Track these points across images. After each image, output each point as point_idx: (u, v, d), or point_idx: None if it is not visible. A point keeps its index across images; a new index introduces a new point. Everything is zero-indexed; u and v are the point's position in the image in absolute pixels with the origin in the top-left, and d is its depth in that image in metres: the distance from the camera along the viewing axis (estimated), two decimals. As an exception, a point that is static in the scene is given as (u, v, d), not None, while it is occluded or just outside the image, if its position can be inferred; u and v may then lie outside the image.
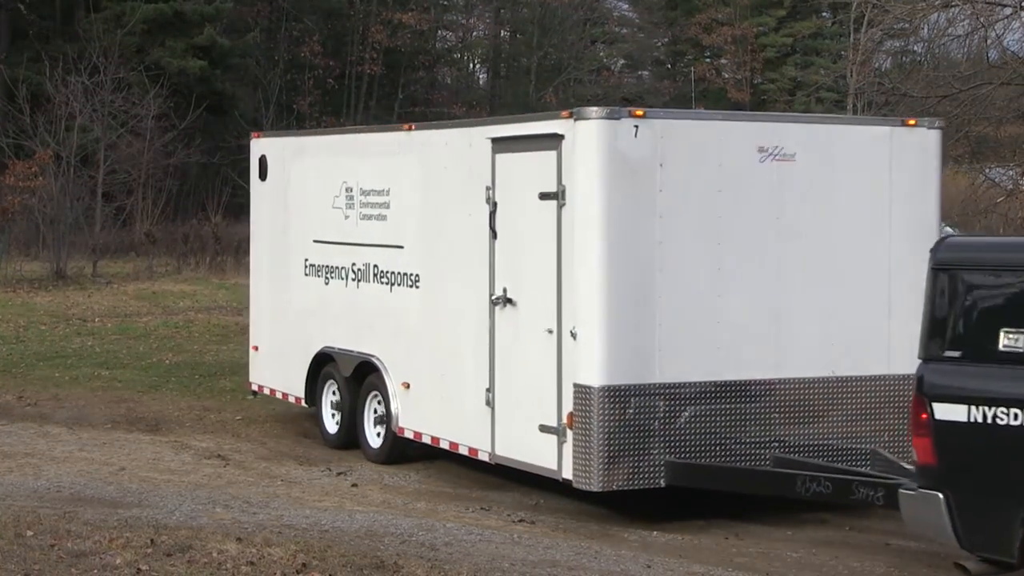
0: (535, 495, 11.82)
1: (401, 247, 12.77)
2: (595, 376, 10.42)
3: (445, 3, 61.79)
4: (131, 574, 8.07)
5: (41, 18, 45.37)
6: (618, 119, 10.44)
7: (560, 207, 10.74)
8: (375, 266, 13.10)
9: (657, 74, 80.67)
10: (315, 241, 14.07)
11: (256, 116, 45.22)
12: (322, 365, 13.87)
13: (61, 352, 19.25)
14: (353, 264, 13.43)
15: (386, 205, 12.96)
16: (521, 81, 61.66)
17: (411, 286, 12.64)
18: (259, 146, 15.25)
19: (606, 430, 10.38)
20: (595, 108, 10.49)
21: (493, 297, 11.47)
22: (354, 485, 12.06)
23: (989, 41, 25.01)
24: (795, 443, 10.96)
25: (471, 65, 67.70)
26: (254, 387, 15.14)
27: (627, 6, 79.13)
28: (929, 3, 23.77)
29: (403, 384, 12.67)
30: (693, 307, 10.73)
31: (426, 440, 12.45)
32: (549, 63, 61.80)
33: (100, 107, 33.55)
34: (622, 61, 78.96)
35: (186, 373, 17.72)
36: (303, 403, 14.15)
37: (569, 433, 10.62)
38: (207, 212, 36.64)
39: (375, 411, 13.20)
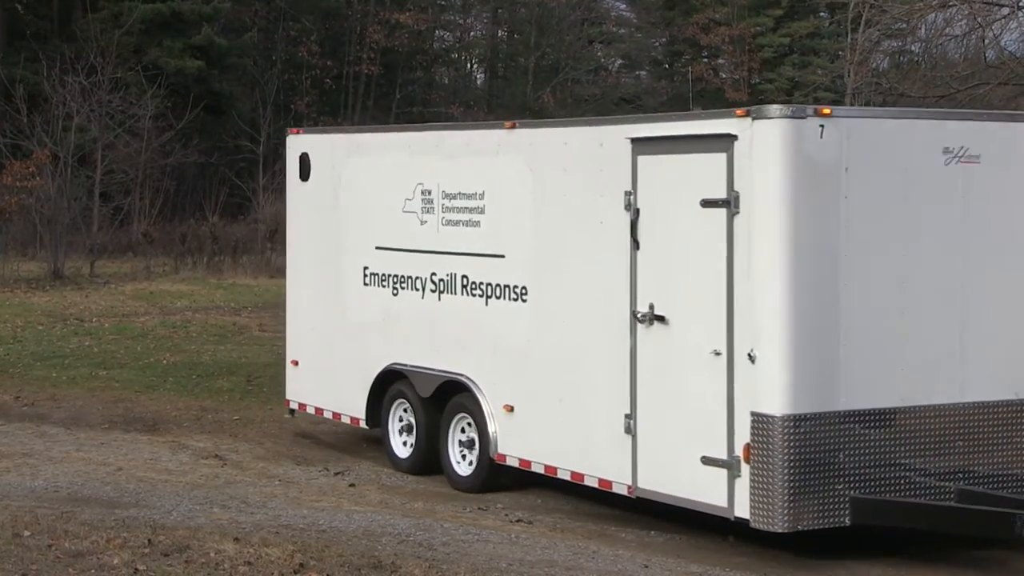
0: (532, 495, 11.81)
1: (501, 256, 11.65)
2: (778, 404, 9.45)
3: (442, 3, 61.80)
4: (128, 574, 8.06)
5: (38, 18, 45.34)
6: (803, 118, 9.54)
7: (732, 216, 9.72)
8: (464, 277, 12.00)
9: (655, 74, 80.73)
10: (379, 248, 12.92)
11: (253, 116, 45.20)
12: (388, 383, 12.73)
13: (58, 352, 19.24)
14: (432, 274, 12.27)
15: (479, 210, 11.85)
16: (518, 81, 61.68)
17: (516, 299, 11.51)
18: (299, 143, 14.07)
19: (790, 464, 9.40)
20: (776, 106, 9.57)
21: (637, 314, 10.40)
22: (352, 485, 12.06)
23: (987, 41, 25.05)
24: (979, 474, 10.09)
25: (469, 65, 67.70)
26: (293, 405, 13.94)
27: (625, 6, 79.03)
28: (927, 3, 23.80)
29: (505, 407, 11.56)
30: (877, 325, 9.84)
31: (537, 469, 11.36)
32: (547, 63, 61.82)
33: (97, 107, 33.54)
34: (619, 61, 78.95)
35: (184, 373, 17.71)
36: (361, 424, 12.98)
37: (744, 467, 9.60)
38: (204, 212, 36.62)
39: (463, 435, 12.07)
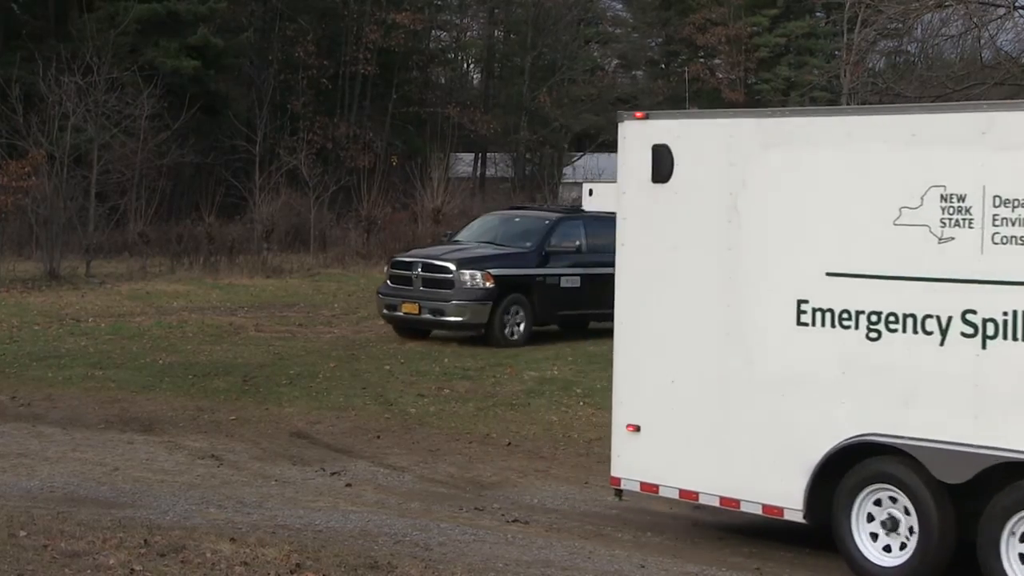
0: (529, 495, 11.82)
1: None
2: None
3: (439, 3, 61.79)
4: (124, 574, 8.06)
5: (34, 18, 45.33)
6: None
7: None
8: None
9: (651, 74, 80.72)
10: (831, 274, 9.66)
11: (250, 116, 45.20)
12: (850, 462, 9.60)
13: (55, 352, 19.23)
14: (967, 312, 9.03)
15: None
16: (515, 81, 61.68)
17: None
18: (650, 131, 10.65)
19: None
20: None
21: None
22: (348, 485, 12.05)
23: (982, 41, 25.09)
24: None
25: (465, 65, 67.70)
26: (629, 484, 10.72)
27: (621, 6, 79.00)
28: (923, 3, 23.83)
29: None
30: None
31: None
32: (543, 63, 61.84)
33: (93, 107, 33.53)
34: (616, 61, 78.92)
35: (180, 373, 17.70)
36: (787, 515, 9.76)
37: None
38: (201, 212, 36.62)
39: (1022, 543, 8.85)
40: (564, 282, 22.15)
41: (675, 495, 10.45)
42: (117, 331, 21.64)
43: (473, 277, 21.21)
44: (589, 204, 27.07)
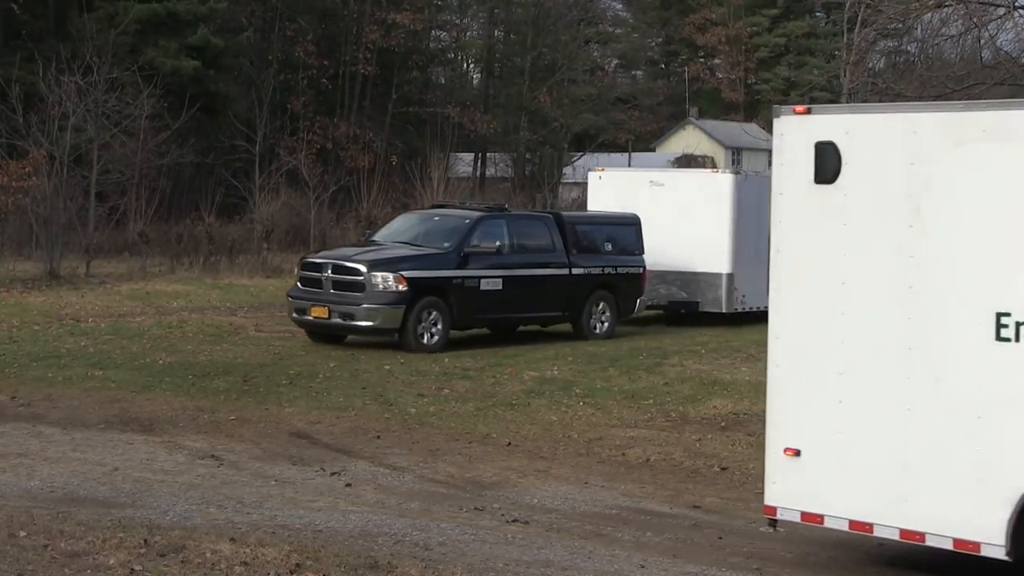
0: (529, 495, 11.82)
1: None
2: None
3: (439, 3, 61.79)
4: (125, 574, 8.06)
5: (34, 18, 45.32)
6: None
7: None
8: None
9: (651, 74, 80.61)
10: None
11: (250, 116, 45.21)
12: None
13: (54, 352, 19.23)
14: None
15: None
16: (515, 81, 61.65)
17: None
18: (813, 127, 9.71)
19: None
20: None
21: None
22: (348, 485, 12.05)
23: (982, 41, 25.08)
24: None
25: (465, 65, 67.67)
26: (787, 514, 9.74)
27: (621, 6, 78.97)
28: (923, 3, 23.83)
29: None
30: None
31: None
32: (543, 63, 61.80)
33: (93, 107, 33.53)
34: (616, 61, 78.87)
35: (180, 373, 17.70)
36: (985, 551, 8.86)
37: None
38: (200, 212, 36.63)
39: None
40: (485, 284, 21.22)
41: (844, 526, 9.49)
42: (117, 331, 21.64)
43: (385, 279, 20.21)
44: (597, 190, 27.03)
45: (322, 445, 13.90)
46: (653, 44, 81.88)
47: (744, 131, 77.94)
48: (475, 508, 11.31)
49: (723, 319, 25.27)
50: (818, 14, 76.08)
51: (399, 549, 9.26)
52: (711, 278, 25.35)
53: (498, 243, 21.47)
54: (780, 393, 9.76)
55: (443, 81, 61.84)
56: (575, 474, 12.77)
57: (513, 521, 10.84)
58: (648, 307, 25.00)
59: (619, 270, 23.44)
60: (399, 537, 9.71)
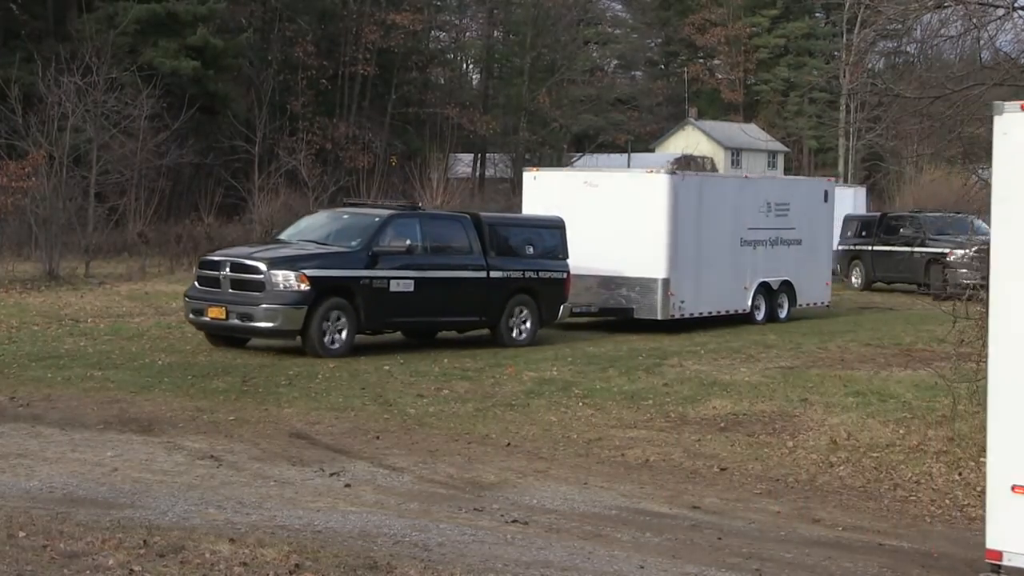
0: (528, 496, 11.82)
1: None
2: None
3: (438, 3, 61.80)
4: (124, 575, 8.06)
5: (33, 18, 45.34)
6: None
7: None
8: None
9: (650, 74, 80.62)
10: None
11: (249, 117, 45.22)
12: None
13: (54, 353, 19.22)
14: None
15: None
16: (514, 81, 61.67)
17: None
18: None
19: None
20: None
21: None
22: (347, 486, 12.04)
23: (982, 42, 25.04)
24: None
25: (464, 65, 67.69)
26: (1016, 558, 8.47)
27: (621, 6, 79.01)
28: (922, 3, 23.81)
29: None
30: None
31: None
32: (542, 63, 61.84)
33: (93, 107, 33.55)
34: (615, 61, 78.89)
35: (179, 374, 17.70)
36: None
37: None
38: (200, 212, 36.64)
39: None
40: (395, 286, 20.13)
41: None
42: (116, 331, 21.63)
43: (287, 278, 19.17)
44: (532, 192, 26.50)
45: (321, 446, 13.90)
46: (652, 45, 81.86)
47: (743, 131, 77.98)
48: (474, 509, 11.30)
49: (659, 327, 24.30)
50: (818, 15, 76.00)
51: (398, 550, 9.26)
52: (646, 283, 24.39)
53: (410, 242, 20.36)
54: (1005, 423, 8.43)
55: (442, 81, 61.88)
56: (574, 474, 12.77)
57: (512, 522, 10.84)
58: (578, 314, 24.12)
59: (541, 274, 22.43)
60: (398, 538, 9.71)
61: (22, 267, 30.38)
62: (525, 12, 60.90)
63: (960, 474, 12.83)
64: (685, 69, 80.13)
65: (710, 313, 25.54)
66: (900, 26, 27.25)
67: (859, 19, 28.48)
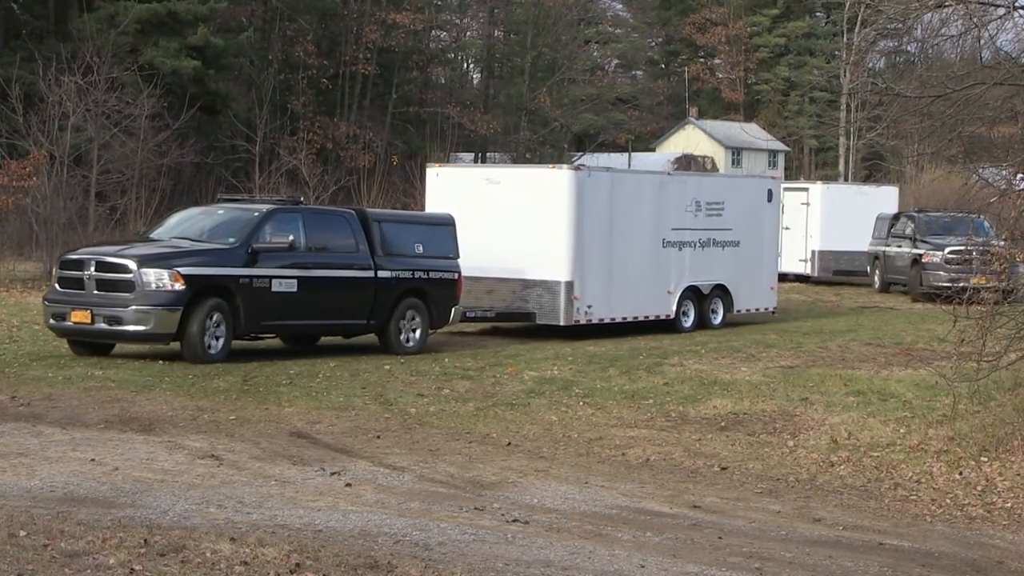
0: (529, 495, 11.82)
1: None
2: None
3: (439, 3, 61.81)
4: (125, 574, 8.07)
5: (34, 18, 45.37)
6: None
7: None
8: None
9: (651, 74, 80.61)
10: None
11: (250, 116, 45.24)
12: None
13: (54, 352, 19.23)
14: None
15: None
16: (515, 81, 61.67)
17: None
18: None
19: None
20: None
21: None
22: (348, 485, 12.05)
23: (982, 41, 25.02)
24: None
25: (465, 65, 67.71)
26: None
27: (621, 6, 79.00)
28: (922, 3, 23.80)
29: None
30: None
31: None
32: (543, 63, 61.85)
33: (93, 107, 33.55)
34: (616, 61, 78.90)
35: (179, 373, 17.70)
36: None
37: None
38: (200, 212, 36.58)
39: None
40: (277, 285, 18.88)
41: None
42: (117, 331, 21.63)
43: (159, 277, 17.91)
44: (435, 189, 25.32)
45: (322, 445, 13.90)
46: (653, 44, 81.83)
47: (744, 131, 77.95)
48: (475, 508, 11.31)
49: (563, 332, 22.92)
50: (818, 14, 75.97)
51: (399, 549, 9.27)
52: (548, 286, 22.61)
53: (291, 239, 19.01)
54: None
55: (443, 81, 61.90)
56: (575, 474, 12.78)
57: (513, 521, 10.84)
58: (472, 318, 22.68)
59: (431, 275, 20.98)
60: (399, 537, 9.71)
61: (23, 266, 30.38)
62: (526, 11, 60.90)
63: (961, 473, 12.84)
64: (685, 68, 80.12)
65: (624, 319, 23.73)
66: (901, 25, 27.25)
67: (860, 18, 28.50)
